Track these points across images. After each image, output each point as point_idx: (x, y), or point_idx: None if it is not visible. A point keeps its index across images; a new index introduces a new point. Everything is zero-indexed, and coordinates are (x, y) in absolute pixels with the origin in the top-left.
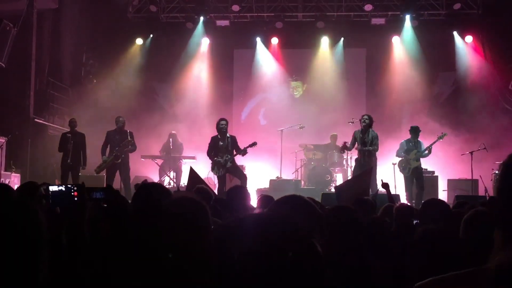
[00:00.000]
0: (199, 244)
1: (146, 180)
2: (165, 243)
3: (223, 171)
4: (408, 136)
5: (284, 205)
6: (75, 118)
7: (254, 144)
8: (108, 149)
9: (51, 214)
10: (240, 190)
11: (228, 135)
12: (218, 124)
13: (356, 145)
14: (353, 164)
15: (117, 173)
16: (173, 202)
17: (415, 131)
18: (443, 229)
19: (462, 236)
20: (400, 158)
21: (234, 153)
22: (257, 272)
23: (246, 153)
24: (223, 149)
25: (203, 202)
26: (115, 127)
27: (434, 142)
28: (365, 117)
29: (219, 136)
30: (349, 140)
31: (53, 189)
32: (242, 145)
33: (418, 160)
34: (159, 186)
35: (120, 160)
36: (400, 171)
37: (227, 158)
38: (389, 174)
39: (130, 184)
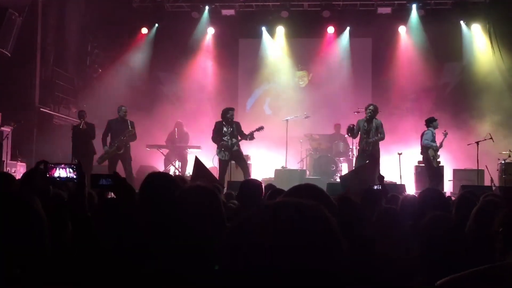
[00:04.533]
0: (211, 232)
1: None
2: (177, 232)
3: (228, 154)
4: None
5: (299, 193)
6: (85, 110)
7: (261, 128)
8: (109, 138)
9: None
10: (257, 187)
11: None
12: (226, 113)
13: (359, 134)
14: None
15: (119, 163)
16: (187, 191)
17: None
18: (450, 216)
19: (471, 225)
20: (430, 148)
21: (240, 138)
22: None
23: (253, 138)
24: (227, 134)
25: (216, 191)
26: (117, 116)
27: (444, 139)
28: (371, 107)
29: (223, 122)
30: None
31: (51, 166)
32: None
33: None
34: (167, 176)
35: (122, 150)
36: (433, 160)
37: (233, 141)
38: (395, 164)
39: (132, 174)
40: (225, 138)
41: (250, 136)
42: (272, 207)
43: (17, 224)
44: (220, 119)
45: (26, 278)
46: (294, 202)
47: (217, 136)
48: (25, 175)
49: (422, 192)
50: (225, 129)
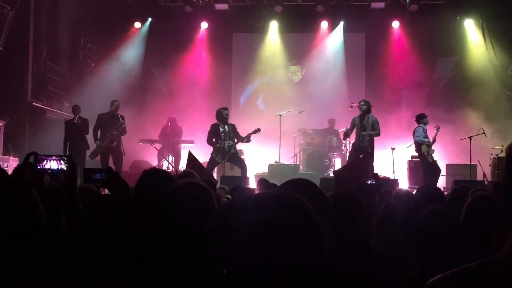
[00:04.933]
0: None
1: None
2: (168, 229)
3: (226, 157)
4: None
5: (291, 188)
6: (79, 105)
7: (257, 130)
8: (99, 133)
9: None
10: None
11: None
12: (220, 113)
13: (354, 131)
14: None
15: (111, 158)
16: (177, 187)
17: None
18: (447, 210)
19: (463, 220)
20: (422, 144)
21: (236, 140)
22: (259, 248)
23: (250, 140)
24: (224, 136)
25: (208, 187)
26: (108, 110)
27: (436, 134)
28: (362, 102)
29: (219, 123)
30: (348, 126)
31: (41, 158)
32: (241, 131)
33: None
34: (164, 172)
35: (115, 143)
36: (427, 156)
37: (229, 144)
38: (388, 159)
39: (121, 169)
40: (220, 142)
41: (247, 139)
42: (253, 199)
43: (17, 221)
44: (216, 121)
45: (27, 277)
46: (275, 193)
47: (212, 138)
48: (16, 169)
49: (420, 189)
50: (221, 129)
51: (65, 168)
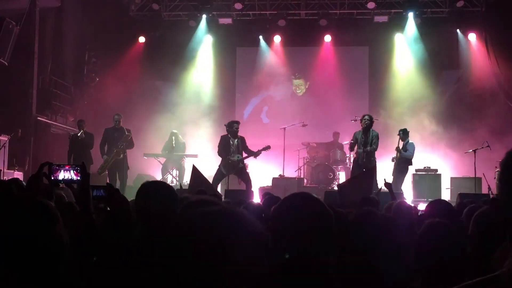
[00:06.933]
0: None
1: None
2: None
3: (233, 171)
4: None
5: (291, 203)
6: (84, 119)
7: (267, 147)
8: (106, 148)
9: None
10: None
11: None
12: (231, 126)
13: (356, 146)
14: None
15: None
16: (203, 214)
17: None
18: (448, 223)
19: (471, 233)
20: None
21: (245, 154)
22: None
23: (258, 155)
24: (233, 149)
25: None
26: (113, 125)
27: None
28: (366, 117)
29: (229, 136)
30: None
31: (56, 168)
32: (248, 145)
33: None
34: (166, 186)
35: (122, 156)
36: None
37: (238, 158)
38: (390, 171)
39: (126, 182)
40: (231, 155)
41: (256, 154)
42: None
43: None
44: (226, 133)
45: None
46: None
47: (223, 150)
48: (30, 178)
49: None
50: (231, 142)
51: (78, 178)
